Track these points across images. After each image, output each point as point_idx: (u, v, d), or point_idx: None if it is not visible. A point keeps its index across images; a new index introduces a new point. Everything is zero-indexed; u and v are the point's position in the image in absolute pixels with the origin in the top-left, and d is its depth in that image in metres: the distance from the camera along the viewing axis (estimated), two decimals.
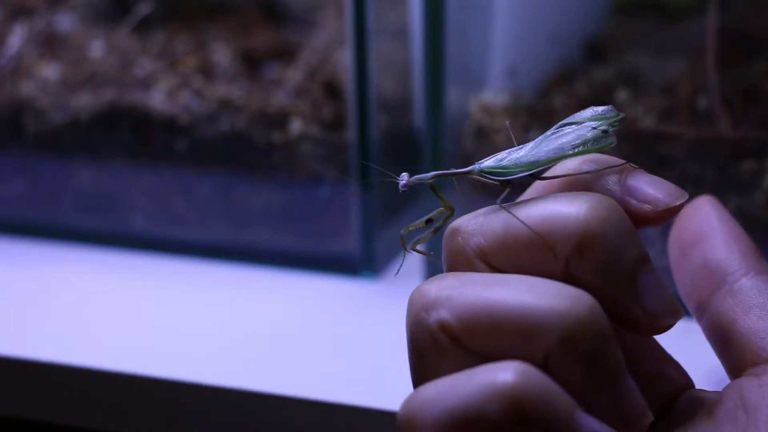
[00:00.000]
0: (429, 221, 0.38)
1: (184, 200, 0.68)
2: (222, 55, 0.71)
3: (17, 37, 0.73)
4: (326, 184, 0.65)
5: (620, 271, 0.34)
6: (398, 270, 0.38)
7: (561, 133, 0.38)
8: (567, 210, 0.35)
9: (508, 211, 0.36)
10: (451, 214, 0.38)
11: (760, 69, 0.62)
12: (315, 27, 0.74)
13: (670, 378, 0.38)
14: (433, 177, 0.38)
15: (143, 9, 0.73)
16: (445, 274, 0.36)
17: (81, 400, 0.57)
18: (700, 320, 0.40)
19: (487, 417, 0.32)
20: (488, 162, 0.38)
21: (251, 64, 0.70)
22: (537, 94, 0.64)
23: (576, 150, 0.37)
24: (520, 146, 0.38)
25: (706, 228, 0.41)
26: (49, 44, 0.73)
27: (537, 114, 0.62)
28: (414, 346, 0.36)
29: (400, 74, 0.68)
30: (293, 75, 0.69)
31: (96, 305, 0.62)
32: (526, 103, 0.63)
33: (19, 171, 0.71)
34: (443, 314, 0.34)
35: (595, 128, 0.37)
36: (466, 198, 0.37)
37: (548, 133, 0.38)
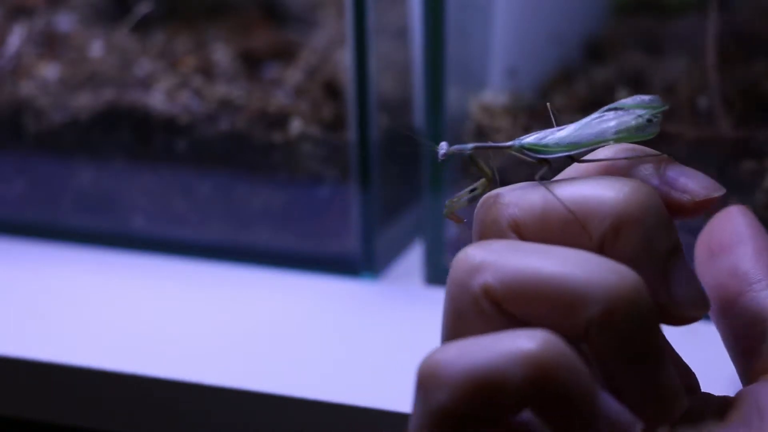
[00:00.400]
0: (473, 191, 0.38)
1: (184, 200, 0.68)
2: (222, 55, 0.71)
3: (17, 37, 0.73)
4: (326, 184, 0.65)
5: (654, 256, 0.34)
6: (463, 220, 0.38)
7: (604, 118, 0.38)
8: (606, 191, 0.35)
9: (546, 188, 0.36)
10: (492, 184, 0.38)
11: (760, 69, 0.62)
12: (315, 27, 0.74)
13: (684, 379, 0.37)
14: (473, 148, 0.38)
15: (143, 9, 0.73)
16: (490, 241, 0.36)
17: (81, 400, 0.57)
18: (719, 322, 0.40)
19: (507, 381, 0.32)
20: (529, 139, 0.38)
21: (251, 64, 0.70)
22: (537, 94, 0.64)
23: (618, 135, 0.37)
24: (562, 126, 0.38)
25: (737, 235, 0.41)
26: (49, 44, 0.73)
27: (537, 114, 0.62)
28: (453, 308, 0.35)
29: (400, 74, 0.68)
30: (293, 75, 0.69)
31: (96, 305, 0.62)
32: (526, 103, 0.63)
33: (19, 171, 0.71)
34: (488, 278, 0.34)
35: (640, 116, 0.37)
36: (501, 173, 0.37)
37: (593, 116, 0.38)
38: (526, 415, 0.35)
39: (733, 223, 0.42)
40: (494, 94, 0.64)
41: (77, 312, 0.62)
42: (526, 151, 0.38)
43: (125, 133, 0.68)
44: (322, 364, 0.57)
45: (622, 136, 0.37)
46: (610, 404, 0.33)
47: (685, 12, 0.66)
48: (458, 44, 0.62)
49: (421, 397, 0.34)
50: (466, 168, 0.61)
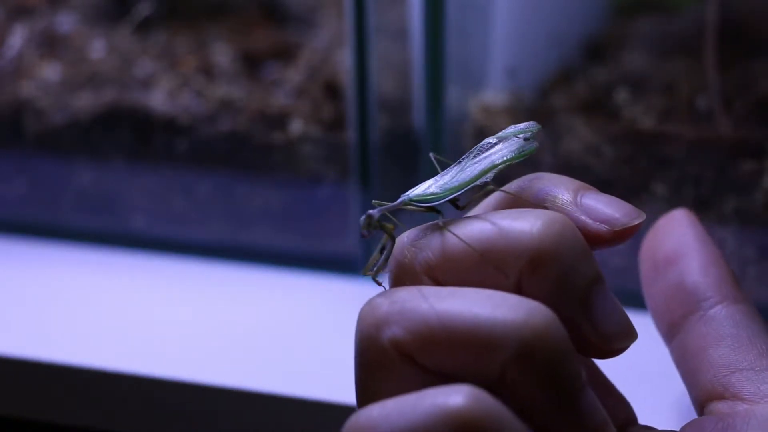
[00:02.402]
0: (382, 250, 0.37)
1: (184, 200, 0.68)
2: (222, 55, 0.71)
3: (18, 37, 0.73)
4: (326, 184, 0.65)
5: (574, 289, 0.33)
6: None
7: (489, 152, 0.38)
8: (520, 225, 0.34)
9: (449, 230, 0.35)
10: (394, 238, 0.37)
11: (760, 69, 0.62)
12: (315, 27, 0.74)
13: (613, 411, 0.36)
14: (379, 212, 0.37)
15: (144, 9, 0.73)
16: (396, 288, 0.35)
17: (81, 400, 0.57)
18: (669, 342, 0.39)
19: None
20: (417, 191, 0.38)
21: (251, 64, 0.70)
22: (537, 94, 0.64)
23: (504, 159, 0.37)
24: (445, 171, 0.38)
25: (683, 247, 0.40)
26: (50, 44, 0.73)
27: (537, 114, 0.62)
28: (362, 363, 0.34)
29: (400, 74, 0.68)
30: (293, 75, 0.69)
31: (96, 305, 0.62)
32: (526, 103, 0.63)
33: (20, 171, 0.71)
34: (395, 330, 0.33)
35: (518, 138, 0.38)
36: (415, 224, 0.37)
37: (470, 155, 0.38)
38: None
39: (678, 232, 0.40)
40: (494, 94, 0.64)
41: (77, 312, 0.62)
42: (415, 203, 0.38)
43: (126, 134, 0.68)
44: (322, 364, 0.57)
45: (507, 159, 0.37)
46: None
47: (684, 12, 0.66)
48: (458, 44, 0.62)
49: None
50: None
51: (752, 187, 0.57)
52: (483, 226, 0.34)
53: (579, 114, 0.62)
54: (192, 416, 0.56)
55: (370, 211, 0.37)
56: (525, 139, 0.38)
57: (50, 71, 0.71)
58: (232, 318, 0.61)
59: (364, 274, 0.37)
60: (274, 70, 0.70)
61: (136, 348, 0.58)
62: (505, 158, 0.37)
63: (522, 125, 0.38)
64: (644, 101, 0.61)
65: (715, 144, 0.59)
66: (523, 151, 0.37)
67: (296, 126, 0.66)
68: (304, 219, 0.67)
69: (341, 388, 0.54)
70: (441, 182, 0.38)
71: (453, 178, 0.38)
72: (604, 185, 0.43)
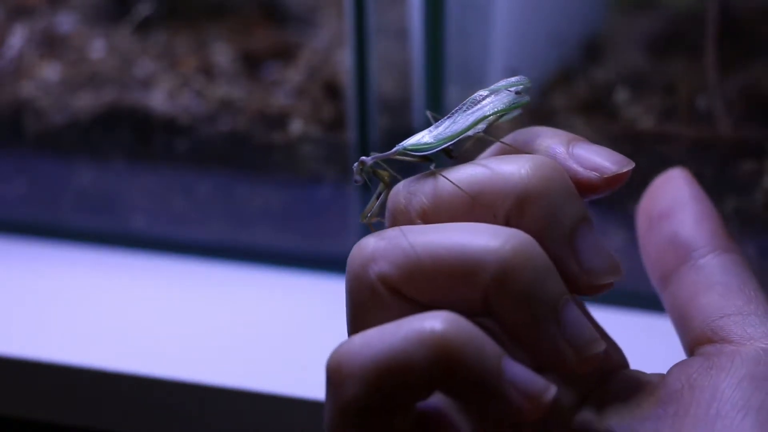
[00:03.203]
0: (378, 196, 0.39)
1: (184, 200, 0.68)
2: (222, 55, 0.71)
3: (18, 37, 0.73)
4: (326, 184, 0.65)
5: (560, 227, 0.34)
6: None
7: (480, 105, 0.39)
8: (509, 167, 0.35)
9: (442, 175, 0.36)
10: (390, 186, 0.39)
11: (760, 69, 0.62)
12: (315, 27, 0.74)
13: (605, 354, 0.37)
14: (373, 160, 0.39)
15: (144, 9, 0.73)
16: (385, 229, 0.36)
17: (81, 400, 0.57)
18: (662, 293, 0.40)
19: (414, 365, 0.32)
20: (411, 141, 0.39)
21: (251, 64, 0.70)
22: (537, 94, 0.64)
23: (496, 110, 0.38)
24: (438, 123, 0.39)
25: (676, 201, 0.41)
26: (50, 44, 0.73)
27: (537, 114, 0.62)
28: (352, 300, 0.35)
29: (400, 74, 0.68)
30: (293, 75, 0.69)
31: (96, 305, 0.62)
32: None
33: (20, 171, 0.71)
34: (382, 266, 0.34)
35: (510, 91, 0.39)
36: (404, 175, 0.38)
37: (463, 107, 0.39)
38: (435, 400, 0.35)
39: (672, 188, 0.41)
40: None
41: (77, 312, 0.62)
42: (409, 153, 0.39)
43: (126, 134, 0.68)
44: (322, 363, 0.57)
45: (499, 109, 0.38)
46: (521, 373, 0.32)
47: (684, 12, 0.66)
48: (458, 44, 0.62)
49: (330, 392, 0.34)
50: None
51: (752, 187, 0.57)
52: (474, 169, 0.35)
53: (579, 114, 0.62)
54: (192, 416, 0.56)
55: (363, 158, 0.38)
56: (516, 93, 0.38)
57: (50, 71, 0.71)
58: (232, 318, 0.61)
59: (362, 221, 0.39)
60: (274, 70, 0.70)
61: (136, 348, 0.58)
62: (496, 110, 0.38)
63: (513, 78, 0.39)
64: (644, 101, 0.61)
65: (715, 144, 0.59)
66: (514, 104, 0.38)
67: (296, 126, 0.66)
68: (304, 219, 0.67)
69: None
70: (434, 132, 0.39)
71: (446, 129, 0.39)
72: None
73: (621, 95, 0.62)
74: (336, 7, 0.73)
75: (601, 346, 0.34)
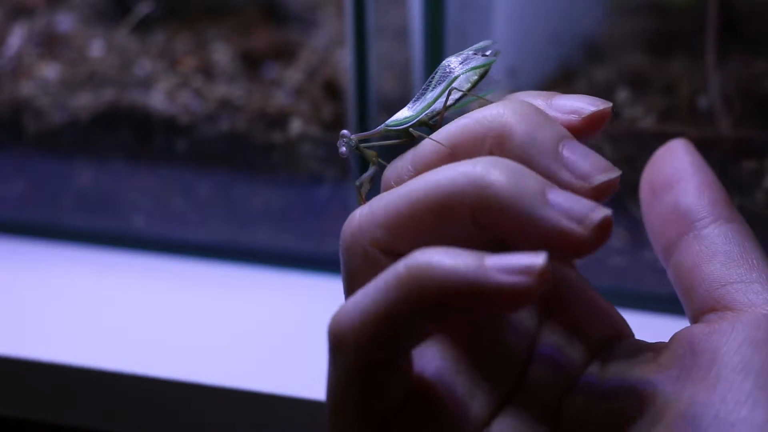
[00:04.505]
0: (371, 179, 0.40)
1: (184, 200, 0.68)
2: (222, 55, 0.71)
3: (17, 37, 0.73)
4: (326, 184, 0.65)
5: (544, 146, 0.35)
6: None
7: (449, 70, 0.40)
8: (485, 112, 0.36)
9: (423, 137, 0.37)
10: (377, 163, 0.40)
11: (760, 69, 0.62)
12: (315, 27, 0.74)
13: (605, 321, 0.38)
14: (357, 139, 0.40)
15: (143, 9, 0.73)
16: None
17: (81, 400, 0.57)
18: (666, 264, 0.40)
19: (394, 309, 0.33)
20: (392, 118, 0.40)
21: (251, 64, 0.70)
22: None
23: (465, 69, 0.39)
24: (414, 98, 0.40)
25: (679, 172, 0.41)
26: (49, 44, 0.73)
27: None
28: (348, 272, 0.36)
29: (400, 74, 0.68)
30: (293, 75, 0.69)
31: (96, 305, 0.62)
32: None
33: (19, 171, 0.71)
34: (370, 230, 0.35)
35: (476, 52, 0.40)
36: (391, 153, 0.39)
37: (433, 79, 0.40)
38: (436, 366, 0.36)
39: (674, 159, 0.41)
40: (494, 95, 0.64)
41: (77, 312, 0.62)
42: (390, 128, 0.40)
43: (125, 133, 0.68)
44: (322, 364, 0.57)
45: (470, 67, 0.39)
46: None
47: (684, 12, 0.66)
48: (458, 44, 0.62)
49: (332, 359, 0.35)
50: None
51: (753, 186, 0.58)
52: (451, 124, 0.36)
53: None
54: (192, 416, 0.56)
55: (344, 131, 0.39)
56: (483, 55, 0.40)
57: (49, 71, 0.71)
58: (232, 318, 0.61)
59: (358, 205, 0.39)
60: (274, 70, 0.70)
61: (137, 348, 0.58)
62: (465, 69, 0.39)
63: (481, 43, 0.40)
64: (644, 101, 0.61)
65: (716, 144, 0.59)
66: (482, 64, 0.39)
67: (296, 126, 0.66)
68: (304, 219, 0.67)
69: None
70: (412, 106, 0.40)
71: (423, 99, 0.40)
72: None
73: (621, 95, 0.62)
74: (336, 6, 0.73)
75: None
